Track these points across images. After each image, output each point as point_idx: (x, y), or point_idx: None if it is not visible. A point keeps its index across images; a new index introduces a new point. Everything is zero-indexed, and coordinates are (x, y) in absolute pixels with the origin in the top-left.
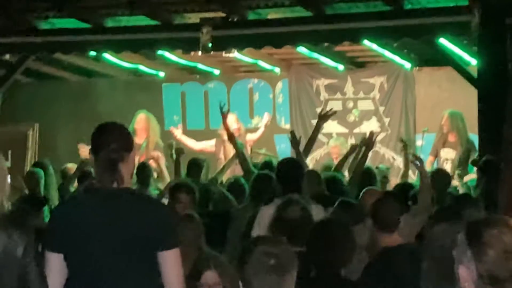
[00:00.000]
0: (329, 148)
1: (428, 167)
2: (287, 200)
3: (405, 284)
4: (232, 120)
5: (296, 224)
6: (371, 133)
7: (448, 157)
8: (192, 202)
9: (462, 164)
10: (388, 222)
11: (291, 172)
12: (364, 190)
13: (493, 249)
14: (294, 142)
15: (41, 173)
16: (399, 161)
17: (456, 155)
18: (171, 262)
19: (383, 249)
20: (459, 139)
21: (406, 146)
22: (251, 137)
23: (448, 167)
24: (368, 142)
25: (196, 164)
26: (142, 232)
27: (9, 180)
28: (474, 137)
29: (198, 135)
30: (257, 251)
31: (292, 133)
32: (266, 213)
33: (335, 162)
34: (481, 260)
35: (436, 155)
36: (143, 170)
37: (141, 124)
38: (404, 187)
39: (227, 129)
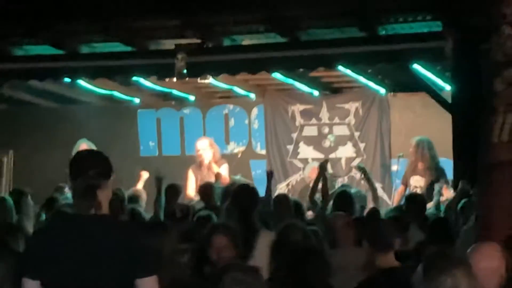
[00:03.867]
0: (308, 173)
1: (397, 198)
2: (287, 224)
3: None
4: (205, 145)
5: (298, 247)
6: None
7: (417, 185)
8: None
9: (429, 191)
10: (383, 243)
11: (245, 198)
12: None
13: None
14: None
15: (10, 201)
16: (376, 186)
17: (424, 183)
18: None
19: (375, 272)
20: (427, 166)
21: (364, 171)
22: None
23: None
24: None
25: (173, 189)
26: (119, 259)
27: None
28: (449, 162)
29: (173, 161)
30: (227, 278)
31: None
32: None
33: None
34: None
35: (406, 184)
36: None
37: None
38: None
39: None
